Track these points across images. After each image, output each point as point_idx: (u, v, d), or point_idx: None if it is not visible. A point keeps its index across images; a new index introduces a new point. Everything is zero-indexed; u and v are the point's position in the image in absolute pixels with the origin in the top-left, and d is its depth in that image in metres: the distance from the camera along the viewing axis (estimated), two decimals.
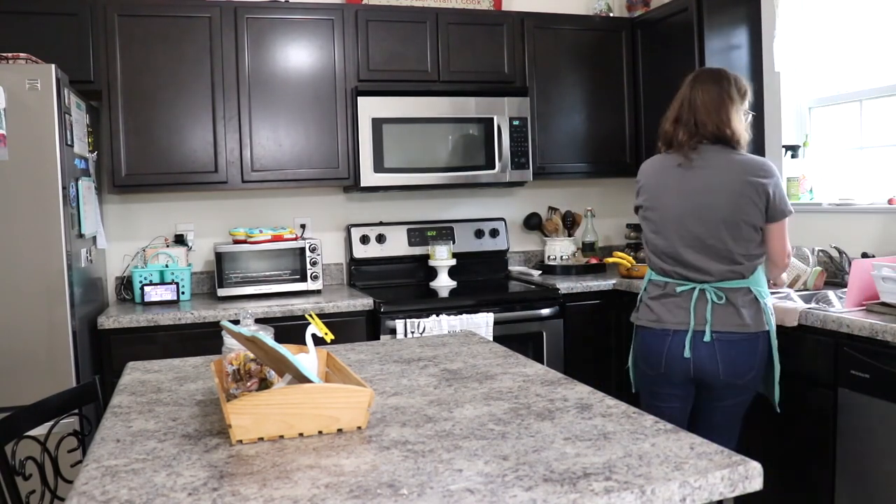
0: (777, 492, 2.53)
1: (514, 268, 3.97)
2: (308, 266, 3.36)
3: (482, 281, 3.74)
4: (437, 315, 3.10)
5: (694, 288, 2.29)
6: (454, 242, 3.77)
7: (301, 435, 1.33)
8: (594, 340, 3.47)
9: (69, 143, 2.67)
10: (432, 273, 3.67)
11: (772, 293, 2.78)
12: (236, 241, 3.37)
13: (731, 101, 2.33)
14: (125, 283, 3.39)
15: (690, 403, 2.41)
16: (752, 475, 1.13)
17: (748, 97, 2.40)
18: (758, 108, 3.46)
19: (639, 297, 2.47)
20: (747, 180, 2.26)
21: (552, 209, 4.05)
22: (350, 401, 1.35)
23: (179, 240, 3.48)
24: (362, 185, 3.36)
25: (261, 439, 1.31)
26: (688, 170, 2.32)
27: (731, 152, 2.32)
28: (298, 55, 3.34)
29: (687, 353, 2.26)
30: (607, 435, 1.29)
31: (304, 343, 1.53)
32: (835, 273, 3.00)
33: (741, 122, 2.34)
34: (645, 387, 2.47)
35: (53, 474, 1.63)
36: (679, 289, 2.31)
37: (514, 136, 3.54)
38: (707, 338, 2.25)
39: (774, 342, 2.31)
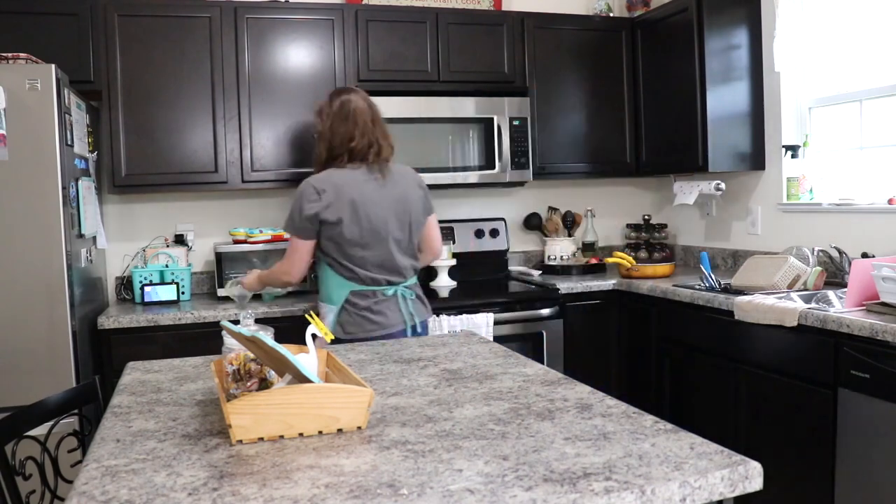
0: (777, 492, 2.53)
1: (515, 268, 3.97)
2: None
3: (482, 281, 3.74)
4: (437, 315, 3.10)
5: (395, 290, 2.57)
6: (454, 242, 3.77)
7: (301, 435, 1.33)
8: (594, 340, 3.47)
9: (69, 143, 2.67)
10: (432, 273, 3.67)
11: (772, 293, 2.78)
12: (236, 241, 3.37)
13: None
14: (125, 283, 3.39)
15: None
16: (752, 475, 1.13)
17: None
18: (758, 108, 3.47)
19: (336, 312, 2.53)
20: (416, 184, 2.64)
21: (552, 209, 4.05)
22: (350, 401, 1.35)
23: (179, 240, 3.48)
24: None
25: (261, 439, 1.31)
26: (383, 183, 2.55)
27: (398, 164, 2.64)
28: (298, 55, 3.34)
29: None
30: (607, 435, 1.29)
31: (304, 343, 1.52)
32: (835, 273, 3.00)
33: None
34: None
35: (53, 474, 1.63)
36: (388, 292, 2.55)
37: (514, 136, 3.54)
38: (419, 329, 2.60)
39: None
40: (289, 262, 2.57)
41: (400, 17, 3.48)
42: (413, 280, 2.64)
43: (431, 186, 3.51)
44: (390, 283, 2.55)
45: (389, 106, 3.37)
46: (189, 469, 1.19)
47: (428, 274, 3.70)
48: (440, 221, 3.81)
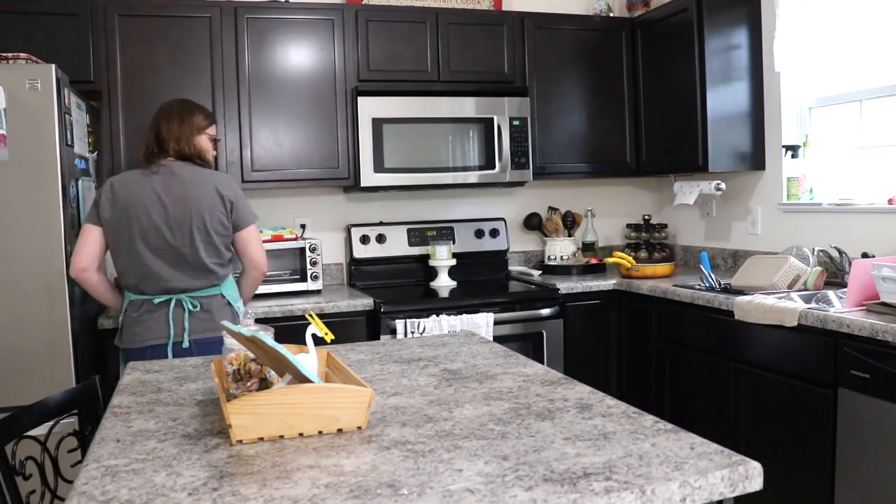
0: (777, 492, 2.53)
1: (514, 268, 3.97)
2: (308, 266, 3.36)
3: (482, 281, 3.74)
4: (437, 315, 3.10)
5: (170, 299, 2.42)
6: (454, 242, 3.77)
7: (301, 435, 1.33)
8: (594, 340, 3.47)
9: (69, 143, 2.67)
10: (432, 273, 3.67)
11: (772, 293, 2.78)
12: None
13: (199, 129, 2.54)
14: None
15: None
16: (752, 475, 1.13)
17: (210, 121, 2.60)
18: (758, 108, 3.47)
19: (120, 322, 2.49)
20: (217, 191, 2.44)
21: (552, 209, 4.05)
22: (350, 401, 1.35)
23: None
24: (362, 185, 3.36)
25: (261, 439, 1.31)
26: (161, 183, 2.42)
27: (198, 168, 2.50)
28: (298, 55, 3.34)
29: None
30: (607, 435, 1.29)
31: (304, 343, 1.52)
32: (835, 273, 3.00)
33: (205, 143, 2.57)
34: None
35: (53, 474, 1.63)
36: (157, 301, 2.42)
37: (514, 136, 3.54)
38: (186, 345, 2.39)
39: None
40: None
41: (400, 17, 3.48)
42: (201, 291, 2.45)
43: (431, 186, 3.53)
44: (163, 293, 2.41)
45: (389, 106, 3.38)
46: (189, 469, 1.19)
47: (428, 274, 3.71)
48: (440, 221, 3.82)
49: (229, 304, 2.49)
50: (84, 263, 2.42)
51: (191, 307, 2.42)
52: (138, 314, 2.44)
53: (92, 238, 2.43)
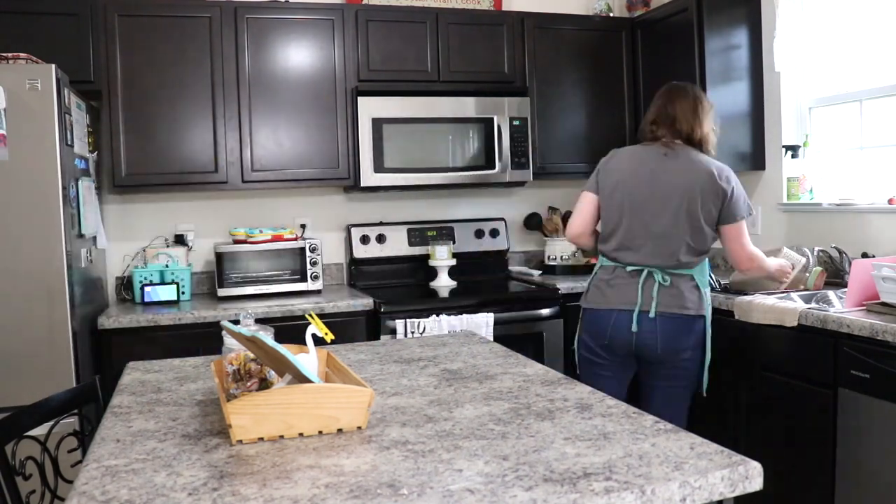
0: (777, 492, 2.53)
1: (515, 268, 3.97)
2: (308, 266, 3.36)
3: (482, 281, 3.74)
4: (437, 315, 3.10)
5: (642, 269, 2.49)
6: (454, 242, 3.77)
7: (301, 435, 1.33)
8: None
9: (69, 143, 2.67)
10: (432, 273, 3.67)
11: (772, 293, 2.78)
12: (236, 241, 3.37)
13: (703, 110, 2.57)
14: (125, 283, 3.39)
15: (627, 381, 2.61)
16: (752, 475, 1.13)
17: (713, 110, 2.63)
18: (758, 108, 3.46)
19: (589, 281, 2.65)
20: (713, 181, 2.48)
21: (552, 209, 4.05)
22: (350, 401, 1.35)
23: (179, 240, 3.48)
24: (362, 185, 3.36)
25: (261, 439, 1.31)
26: (662, 162, 2.52)
27: (699, 154, 2.54)
28: (298, 55, 3.34)
29: (634, 328, 2.47)
30: (607, 435, 1.29)
31: (304, 343, 1.53)
32: (835, 273, 3.00)
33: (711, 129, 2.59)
34: (587, 361, 2.65)
35: (53, 474, 1.63)
36: (630, 268, 2.51)
37: (514, 136, 3.54)
38: (652, 314, 2.45)
39: (709, 330, 2.53)
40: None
41: (400, 17, 3.48)
42: (674, 269, 2.49)
43: (431, 186, 3.52)
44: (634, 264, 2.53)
45: (389, 106, 3.38)
46: (189, 469, 1.19)
47: (428, 274, 3.71)
48: (440, 221, 3.82)
49: (698, 287, 2.49)
50: (578, 230, 2.65)
51: (661, 280, 2.47)
52: (610, 278, 2.55)
53: (587, 206, 2.64)
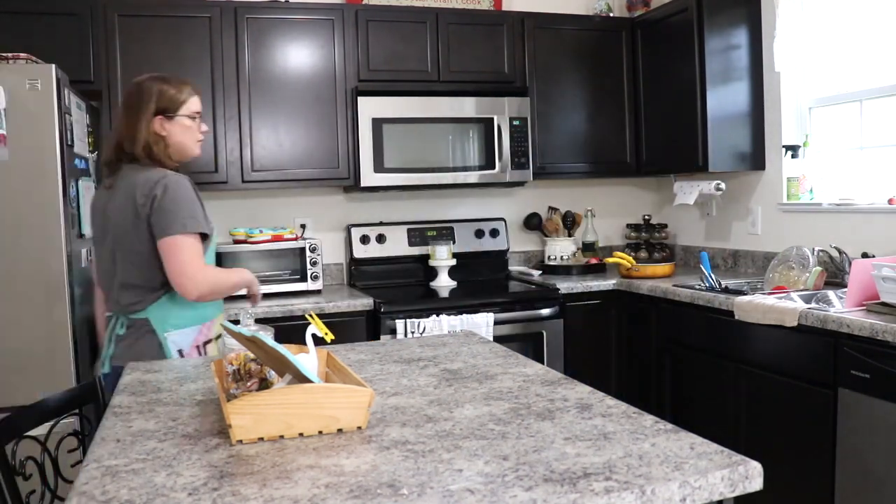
0: (777, 492, 2.53)
1: (515, 268, 3.97)
2: (308, 266, 3.36)
3: (482, 281, 3.74)
4: (437, 315, 3.10)
5: (112, 317, 2.13)
6: (454, 242, 3.77)
7: (301, 435, 1.33)
8: (594, 340, 3.47)
9: (69, 143, 2.67)
10: (432, 273, 3.67)
11: (770, 293, 2.78)
12: (236, 241, 3.37)
13: (135, 109, 2.09)
14: None
15: None
16: (752, 475, 1.13)
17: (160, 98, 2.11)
18: (758, 108, 3.46)
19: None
20: (134, 197, 2.01)
21: (552, 209, 4.05)
22: (350, 401, 1.35)
23: None
24: (362, 185, 3.36)
25: (261, 439, 1.31)
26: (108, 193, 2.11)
27: (136, 169, 2.08)
28: (298, 55, 3.34)
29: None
30: (607, 435, 1.29)
31: (304, 343, 1.52)
32: (835, 273, 3.00)
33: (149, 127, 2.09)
34: None
35: (53, 474, 1.63)
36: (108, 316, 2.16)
37: (514, 136, 3.54)
38: (106, 369, 2.06)
39: None
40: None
41: (400, 17, 3.48)
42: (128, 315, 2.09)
43: (431, 186, 3.52)
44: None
45: (389, 106, 3.38)
46: (189, 469, 1.19)
47: (428, 274, 3.71)
48: (440, 221, 3.82)
49: (154, 332, 2.09)
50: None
51: (119, 330, 2.11)
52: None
53: None
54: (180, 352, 2.10)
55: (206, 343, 2.17)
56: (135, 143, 2.08)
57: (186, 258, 1.98)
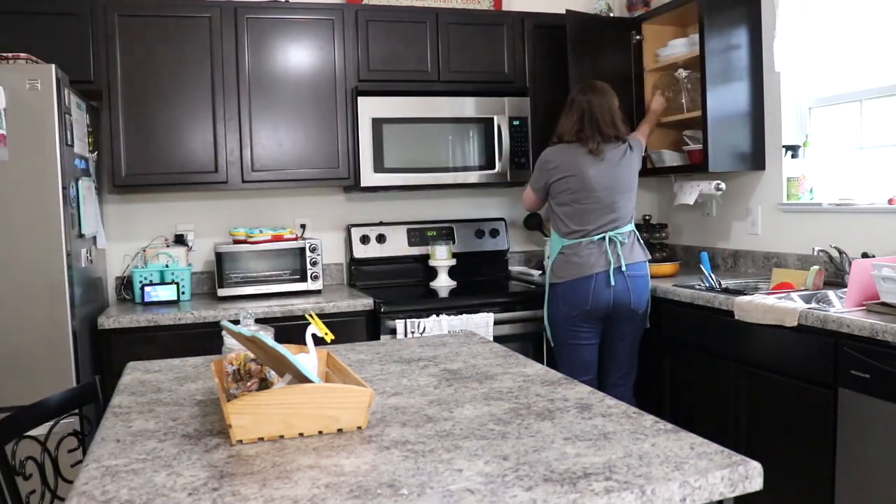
0: (777, 492, 2.53)
1: (514, 268, 3.97)
2: (308, 266, 3.36)
3: (482, 281, 3.74)
4: (437, 315, 3.10)
5: (604, 237, 2.93)
6: (454, 242, 3.77)
7: (301, 435, 1.33)
8: None
9: (69, 143, 2.67)
10: (432, 273, 3.67)
11: (772, 293, 2.78)
12: (236, 241, 3.37)
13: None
14: (125, 283, 3.39)
15: (597, 343, 3.03)
16: (752, 475, 1.13)
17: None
18: (758, 108, 3.46)
19: (549, 264, 3.05)
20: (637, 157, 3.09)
21: None
22: (350, 401, 1.35)
23: (179, 240, 3.48)
24: (362, 185, 3.36)
25: (261, 439, 1.31)
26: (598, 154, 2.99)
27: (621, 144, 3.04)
28: (298, 55, 3.34)
29: (612, 284, 2.89)
30: (607, 435, 1.29)
31: (304, 343, 1.53)
32: (835, 273, 3.00)
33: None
34: (567, 329, 2.99)
35: (53, 474, 1.63)
36: (597, 237, 2.93)
37: (514, 136, 3.54)
38: (624, 268, 2.91)
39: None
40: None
41: (400, 17, 3.48)
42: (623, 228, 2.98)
43: (431, 186, 3.53)
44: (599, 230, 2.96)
45: (389, 106, 3.38)
46: (189, 469, 1.19)
47: (428, 274, 3.71)
48: (440, 221, 3.82)
49: (635, 233, 3.05)
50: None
51: (622, 240, 2.95)
52: (574, 252, 2.97)
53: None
54: None
55: None
56: None
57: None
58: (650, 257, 3.08)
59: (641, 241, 3.04)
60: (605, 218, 2.94)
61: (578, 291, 2.90)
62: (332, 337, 1.51)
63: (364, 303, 3.14)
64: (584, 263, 2.91)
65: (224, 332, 1.69)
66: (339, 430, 1.35)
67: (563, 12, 3.65)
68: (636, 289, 2.93)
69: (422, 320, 3.06)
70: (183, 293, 3.26)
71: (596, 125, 2.99)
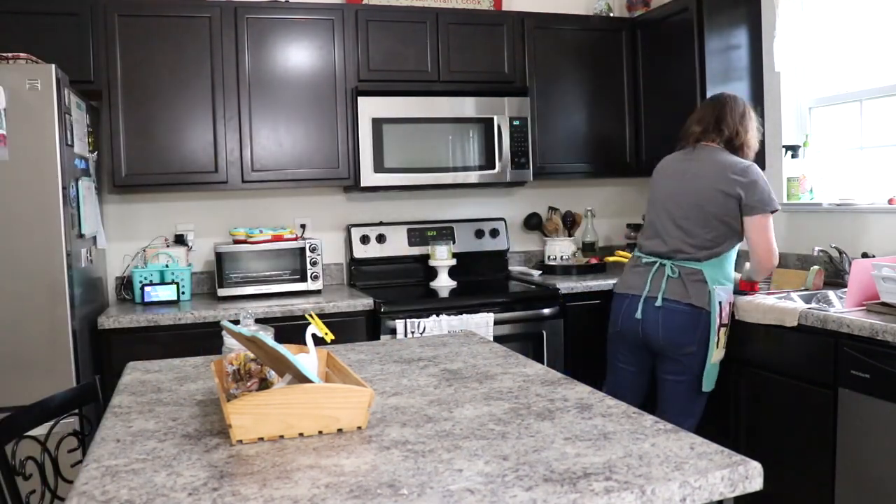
0: (777, 492, 2.53)
1: (515, 268, 3.97)
2: (308, 266, 3.36)
3: (482, 281, 3.74)
4: (438, 315, 3.10)
5: (656, 262, 2.67)
6: (454, 242, 3.77)
7: (301, 435, 1.33)
8: (594, 340, 3.47)
9: (69, 143, 2.67)
10: (432, 273, 3.67)
11: (772, 293, 2.78)
12: (236, 241, 3.37)
13: (749, 118, 2.76)
14: (125, 283, 3.39)
15: (645, 373, 2.76)
16: (752, 475, 1.13)
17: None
18: (758, 108, 3.46)
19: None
20: (726, 175, 2.60)
21: (552, 209, 4.05)
22: (350, 401, 1.35)
23: (179, 240, 3.48)
24: (362, 185, 3.36)
25: (261, 439, 1.31)
26: (685, 162, 2.75)
27: (723, 152, 2.69)
28: (298, 55, 3.34)
29: (638, 315, 2.65)
30: (607, 435, 1.29)
31: (304, 343, 1.53)
32: (835, 273, 3.00)
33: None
34: (609, 346, 2.86)
35: (53, 474, 1.63)
36: (644, 260, 2.72)
37: (514, 136, 3.54)
38: (658, 303, 2.60)
39: (714, 325, 2.57)
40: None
41: (400, 17, 3.48)
42: (684, 262, 2.63)
43: (431, 186, 3.52)
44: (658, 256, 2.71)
45: (389, 106, 3.38)
46: (189, 469, 1.19)
47: (428, 274, 3.71)
48: (440, 221, 3.82)
49: (705, 281, 2.58)
50: None
51: (670, 273, 2.62)
52: (631, 266, 2.79)
53: None
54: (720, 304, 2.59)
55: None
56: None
57: (768, 235, 2.63)
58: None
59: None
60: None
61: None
62: (332, 337, 1.51)
63: (364, 303, 3.14)
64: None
65: (224, 332, 1.69)
66: (339, 430, 1.35)
67: (563, 12, 3.65)
68: (667, 322, 2.59)
69: (422, 320, 3.06)
70: (183, 293, 3.26)
71: None
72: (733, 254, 2.67)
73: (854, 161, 3.18)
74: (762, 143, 3.45)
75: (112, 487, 1.12)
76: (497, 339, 3.12)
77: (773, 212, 2.59)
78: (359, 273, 3.68)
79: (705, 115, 2.76)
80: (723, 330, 2.60)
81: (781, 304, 2.54)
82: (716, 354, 2.59)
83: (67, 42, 3.03)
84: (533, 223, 4.02)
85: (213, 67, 3.23)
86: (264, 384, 1.53)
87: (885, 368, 2.14)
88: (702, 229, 2.60)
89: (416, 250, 3.73)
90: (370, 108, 3.35)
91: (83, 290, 2.79)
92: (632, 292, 2.70)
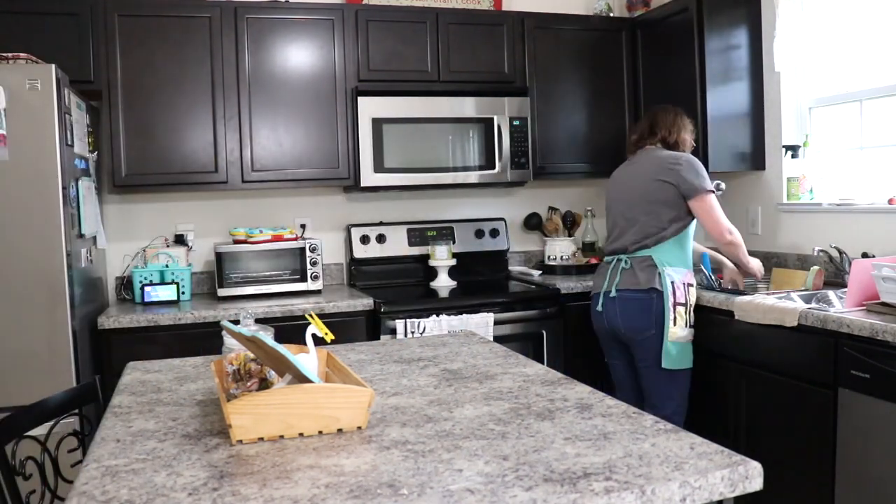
0: (777, 492, 2.53)
1: (515, 268, 3.97)
2: (308, 266, 3.36)
3: (482, 281, 3.74)
4: (437, 315, 3.10)
5: (613, 259, 2.88)
6: (454, 242, 3.77)
7: (301, 435, 1.33)
8: (594, 340, 3.46)
9: (69, 143, 2.67)
10: (432, 273, 3.67)
11: (772, 293, 2.78)
12: (236, 241, 3.37)
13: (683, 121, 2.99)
14: (125, 283, 3.39)
15: (633, 365, 2.90)
16: (752, 475, 1.13)
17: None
18: (758, 108, 3.47)
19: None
20: (661, 166, 2.81)
21: (552, 209, 4.05)
22: (350, 401, 1.35)
23: (179, 240, 3.48)
24: (362, 185, 3.36)
25: (261, 439, 1.31)
26: (629, 165, 2.99)
27: (660, 150, 2.91)
28: (298, 55, 3.34)
29: (599, 308, 2.88)
30: (607, 435, 1.29)
31: (304, 343, 1.53)
32: (835, 273, 3.00)
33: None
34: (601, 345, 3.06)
35: (53, 474, 1.63)
36: (606, 260, 2.95)
37: (514, 136, 3.54)
38: (613, 294, 2.81)
39: (668, 304, 2.72)
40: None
41: (400, 17, 3.48)
42: (635, 252, 2.82)
43: (431, 186, 3.53)
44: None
45: (389, 106, 3.38)
46: (189, 469, 1.19)
47: (428, 274, 3.71)
48: (440, 221, 3.82)
49: (655, 265, 2.77)
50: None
51: (623, 265, 2.82)
52: (598, 269, 3.02)
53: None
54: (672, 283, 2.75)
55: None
56: None
57: (717, 214, 2.88)
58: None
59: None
60: None
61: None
62: (332, 337, 1.51)
63: (364, 303, 3.14)
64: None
65: (224, 332, 1.69)
66: (339, 430, 1.35)
67: (563, 12, 3.65)
68: (625, 311, 2.78)
69: (422, 320, 3.06)
70: (183, 293, 3.26)
71: None
72: (684, 238, 2.84)
73: (854, 161, 3.18)
74: (762, 142, 3.47)
75: (112, 487, 1.12)
76: (497, 339, 3.12)
77: (709, 192, 2.77)
78: (359, 273, 3.68)
79: (640, 125, 3.02)
80: (679, 309, 2.74)
81: (781, 304, 2.54)
82: (673, 332, 2.72)
83: (67, 42, 3.03)
84: (533, 223, 4.02)
85: (213, 67, 3.23)
86: (264, 384, 1.53)
87: (885, 368, 2.14)
88: (647, 217, 2.80)
89: (416, 250, 3.73)
90: (370, 107, 3.35)
91: (83, 290, 2.79)
92: (594, 290, 2.94)
